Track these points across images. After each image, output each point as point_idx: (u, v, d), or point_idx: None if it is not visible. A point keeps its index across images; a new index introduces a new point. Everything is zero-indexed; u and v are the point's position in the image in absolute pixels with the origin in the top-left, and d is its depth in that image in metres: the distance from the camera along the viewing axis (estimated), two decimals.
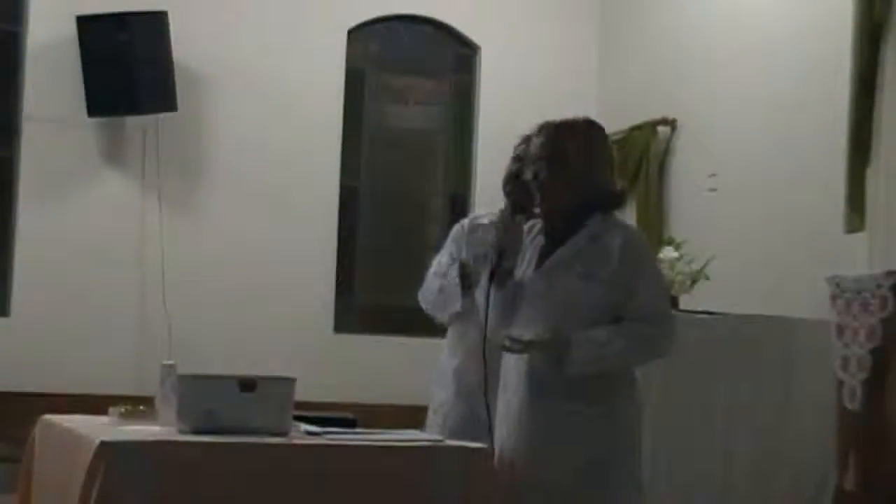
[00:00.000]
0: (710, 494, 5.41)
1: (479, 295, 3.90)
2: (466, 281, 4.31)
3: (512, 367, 3.74)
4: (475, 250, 4.47)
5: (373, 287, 8.38)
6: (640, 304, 3.61)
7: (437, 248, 5.20)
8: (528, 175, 3.74)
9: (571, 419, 3.62)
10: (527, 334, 3.61)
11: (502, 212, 4.06)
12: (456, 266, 4.58)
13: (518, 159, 4.50)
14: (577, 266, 3.64)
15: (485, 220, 4.83)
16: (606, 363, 3.60)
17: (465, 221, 5.03)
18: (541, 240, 3.78)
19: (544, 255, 3.74)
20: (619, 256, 3.63)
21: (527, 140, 4.17)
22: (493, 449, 3.70)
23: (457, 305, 4.58)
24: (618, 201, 3.78)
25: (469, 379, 4.52)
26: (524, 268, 3.75)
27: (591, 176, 3.69)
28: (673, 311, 3.66)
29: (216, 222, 7.86)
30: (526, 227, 3.83)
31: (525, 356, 3.65)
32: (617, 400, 3.68)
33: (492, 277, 3.74)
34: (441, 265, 4.81)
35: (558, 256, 3.69)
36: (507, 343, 3.61)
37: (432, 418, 4.82)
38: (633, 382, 3.76)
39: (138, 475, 3.22)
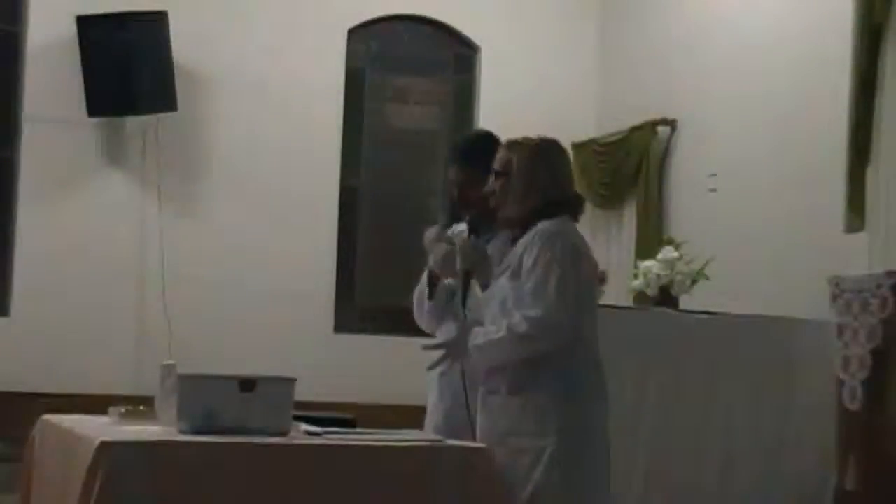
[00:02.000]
0: (710, 494, 5.41)
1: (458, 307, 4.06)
2: (432, 289, 4.34)
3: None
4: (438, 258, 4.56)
5: (373, 287, 8.38)
6: (523, 295, 3.71)
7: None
8: (487, 187, 3.94)
9: (520, 411, 3.74)
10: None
11: (462, 236, 4.18)
12: (425, 274, 4.63)
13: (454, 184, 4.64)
14: (508, 267, 3.81)
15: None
16: (491, 357, 3.76)
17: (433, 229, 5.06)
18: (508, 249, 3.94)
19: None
20: (521, 251, 3.77)
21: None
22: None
23: (424, 309, 4.61)
24: (565, 208, 3.88)
25: (453, 381, 4.56)
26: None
27: (534, 187, 3.84)
28: (564, 313, 3.65)
29: (216, 222, 7.86)
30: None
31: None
32: (567, 391, 3.73)
33: (464, 299, 3.93)
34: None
35: (503, 262, 3.88)
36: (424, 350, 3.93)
37: (426, 420, 4.85)
38: (588, 378, 3.79)
39: (138, 475, 3.22)
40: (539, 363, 3.73)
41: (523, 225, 3.85)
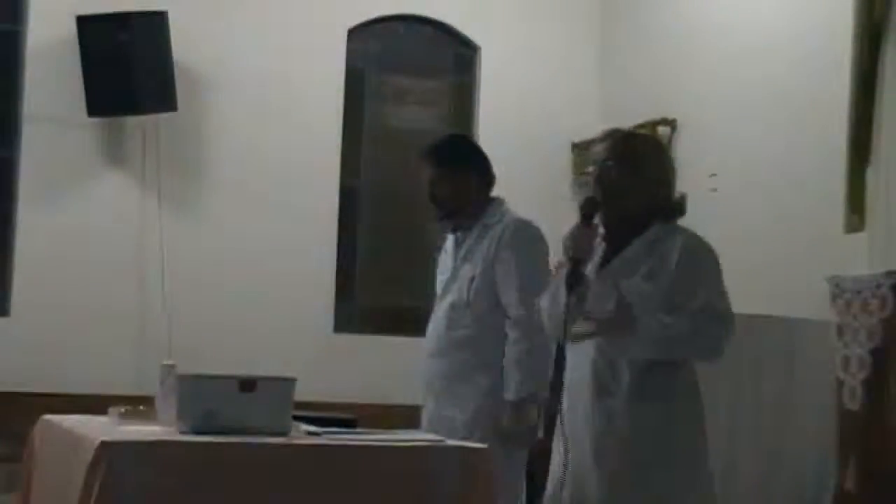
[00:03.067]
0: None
1: (544, 300, 3.91)
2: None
3: (576, 369, 3.75)
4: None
5: (373, 287, 8.38)
6: (700, 306, 3.65)
7: (438, 248, 5.22)
8: (592, 173, 3.78)
9: (633, 419, 3.66)
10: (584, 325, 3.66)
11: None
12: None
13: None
14: (642, 268, 3.69)
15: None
16: (669, 346, 3.62)
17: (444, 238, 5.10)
18: (602, 246, 3.82)
19: (606, 260, 3.79)
20: (677, 259, 3.68)
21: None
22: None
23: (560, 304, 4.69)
24: (678, 210, 3.84)
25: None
26: (588, 271, 3.78)
27: (657, 182, 3.76)
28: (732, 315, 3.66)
29: (216, 222, 7.86)
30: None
31: (591, 358, 3.70)
32: (678, 401, 3.70)
33: (570, 288, 3.72)
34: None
35: (621, 260, 3.74)
36: (577, 333, 3.65)
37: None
38: (694, 384, 3.78)
39: (138, 475, 3.22)
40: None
41: (630, 223, 3.75)
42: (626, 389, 3.68)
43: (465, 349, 4.71)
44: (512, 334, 4.61)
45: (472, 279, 4.73)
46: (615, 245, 3.79)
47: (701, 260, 3.74)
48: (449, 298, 4.80)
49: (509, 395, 4.57)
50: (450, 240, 5.00)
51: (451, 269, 4.86)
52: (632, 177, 3.73)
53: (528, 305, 4.41)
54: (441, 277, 4.95)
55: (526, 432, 4.56)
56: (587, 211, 3.75)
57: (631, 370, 3.68)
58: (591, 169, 3.92)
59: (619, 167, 3.73)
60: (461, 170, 4.89)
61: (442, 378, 4.75)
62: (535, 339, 4.48)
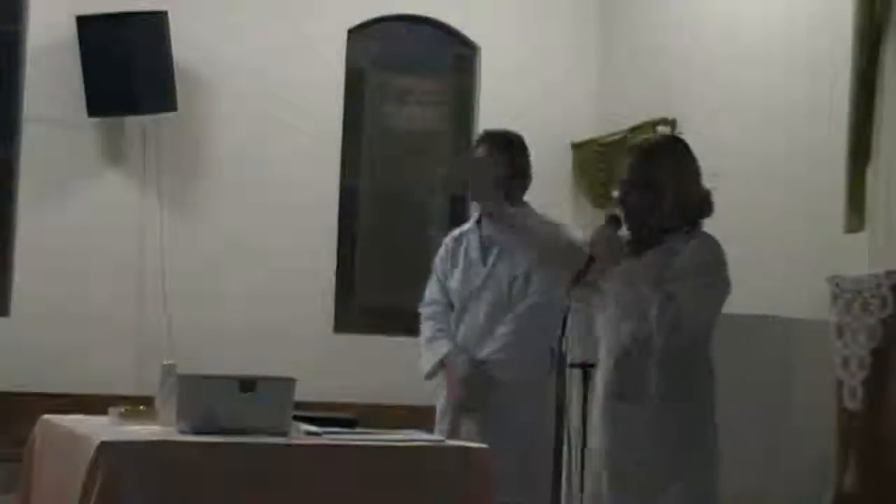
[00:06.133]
0: None
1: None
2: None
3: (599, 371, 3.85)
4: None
5: (373, 287, 8.38)
6: (670, 291, 3.66)
7: (437, 248, 5.23)
8: (615, 195, 3.87)
9: (650, 420, 3.70)
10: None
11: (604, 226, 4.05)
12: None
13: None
14: (657, 274, 3.72)
15: (465, 227, 5.02)
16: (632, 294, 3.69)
17: (447, 240, 5.11)
18: (626, 250, 3.85)
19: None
20: (684, 254, 3.75)
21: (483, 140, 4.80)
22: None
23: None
24: (704, 210, 3.88)
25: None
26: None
27: (678, 195, 3.81)
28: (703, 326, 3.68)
29: (216, 222, 7.85)
30: None
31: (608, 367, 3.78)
32: (693, 398, 3.74)
33: (577, 280, 3.76)
34: (432, 296, 4.98)
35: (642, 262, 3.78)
36: None
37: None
38: (709, 379, 3.82)
39: (138, 475, 3.23)
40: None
41: (655, 229, 3.82)
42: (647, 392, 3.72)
43: None
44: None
45: (515, 279, 4.78)
46: (637, 251, 3.84)
47: (702, 258, 3.75)
48: (487, 298, 4.84)
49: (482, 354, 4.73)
50: (473, 240, 5.02)
51: (485, 269, 4.90)
52: (652, 199, 3.80)
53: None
54: (457, 279, 4.95)
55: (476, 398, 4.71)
56: (610, 225, 3.84)
57: (652, 372, 3.70)
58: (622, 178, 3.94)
59: (640, 193, 3.80)
60: None
61: None
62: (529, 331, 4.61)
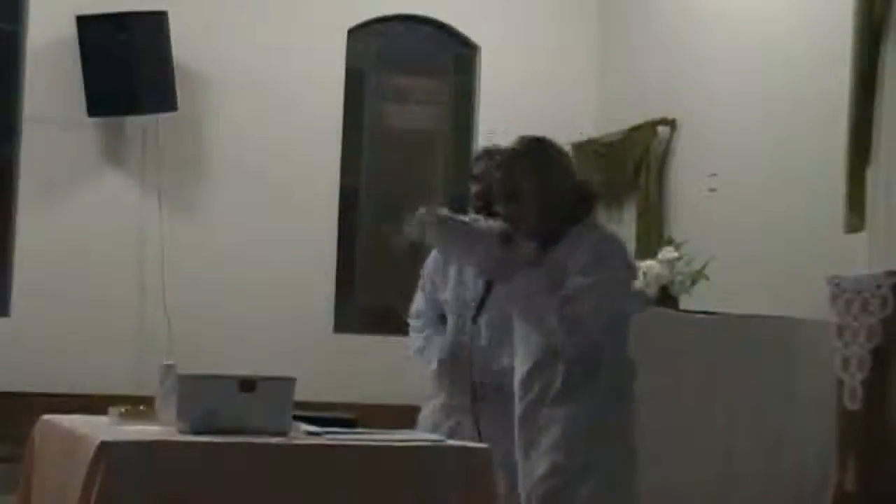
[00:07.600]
0: (710, 494, 5.41)
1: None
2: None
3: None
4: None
5: (373, 287, 8.38)
6: (568, 291, 3.66)
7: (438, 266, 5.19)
8: (496, 208, 3.87)
9: (554, 423, 3.73)
10: None
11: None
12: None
13: (475, 179, 4.70)
14: (551, 280, 3.72)
15: None
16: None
17: (435, 254, 5.07)
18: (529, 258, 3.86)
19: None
20: (578, 253, 3.72)
21: (481, 157, 4.60)
22: None
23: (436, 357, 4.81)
24: (586, 204, 3.84)
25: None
26: None
27: (542, 202, 3.76)
28: (583, 321, 3.66)
29: (216, 222, 7.86)
30: None
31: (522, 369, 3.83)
32: (608, 397, 3.75)
33: (480, 306, 3.94)
34: (419, 308, 4.94)
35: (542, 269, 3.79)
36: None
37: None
38: (626, 377, 3.83)
39: (138, 475, 3.22)
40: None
41: (549, 229, 3.81)
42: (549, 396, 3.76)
43: None
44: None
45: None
46: (538, 257, 3.83)
47: (598, 255, 3.74)
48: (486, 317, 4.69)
49: None
50: None
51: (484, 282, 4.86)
52: (517, 211, 3.78)
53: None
54: (453, 292, 4.87)
55: None
56: (503, 240, 3.85)
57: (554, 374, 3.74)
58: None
59: (506, 205, 3.80)
60: None
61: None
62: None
